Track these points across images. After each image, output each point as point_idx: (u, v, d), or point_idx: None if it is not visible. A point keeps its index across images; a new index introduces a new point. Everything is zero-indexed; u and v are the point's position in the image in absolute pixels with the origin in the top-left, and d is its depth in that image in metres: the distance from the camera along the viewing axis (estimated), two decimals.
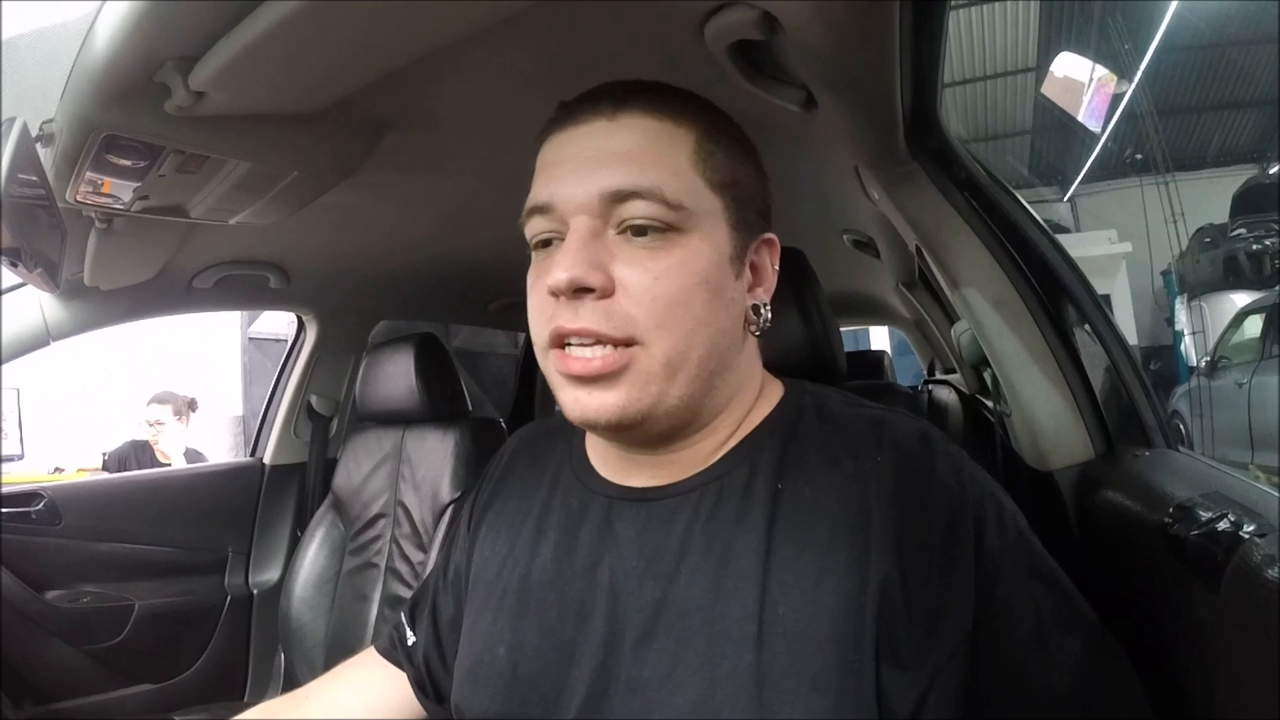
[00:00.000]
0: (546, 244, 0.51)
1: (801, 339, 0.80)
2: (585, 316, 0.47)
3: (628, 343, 0.47)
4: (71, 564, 1.56)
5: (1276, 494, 0.53)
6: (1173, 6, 7.00)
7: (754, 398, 0.56)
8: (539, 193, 0.50)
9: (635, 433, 0.51)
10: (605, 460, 0.58)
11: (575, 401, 0.49)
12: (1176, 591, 0.54)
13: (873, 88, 0.70)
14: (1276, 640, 0.41)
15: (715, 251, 0.50)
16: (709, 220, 0.49)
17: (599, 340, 0.47)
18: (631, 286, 0.47)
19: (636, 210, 0.47)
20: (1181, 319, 7.81)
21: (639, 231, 0.48)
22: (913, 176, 0.88)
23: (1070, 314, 0.86)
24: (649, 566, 0.51)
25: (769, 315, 0.55)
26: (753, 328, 0.55)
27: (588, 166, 0.48)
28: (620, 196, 0.47)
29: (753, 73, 0.71)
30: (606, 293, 0.47)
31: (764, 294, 0.55)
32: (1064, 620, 0.48)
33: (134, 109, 0.67)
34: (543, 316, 0.50)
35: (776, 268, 0.56)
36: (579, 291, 0.47)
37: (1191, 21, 7.21)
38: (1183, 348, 7.71)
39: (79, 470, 3.72)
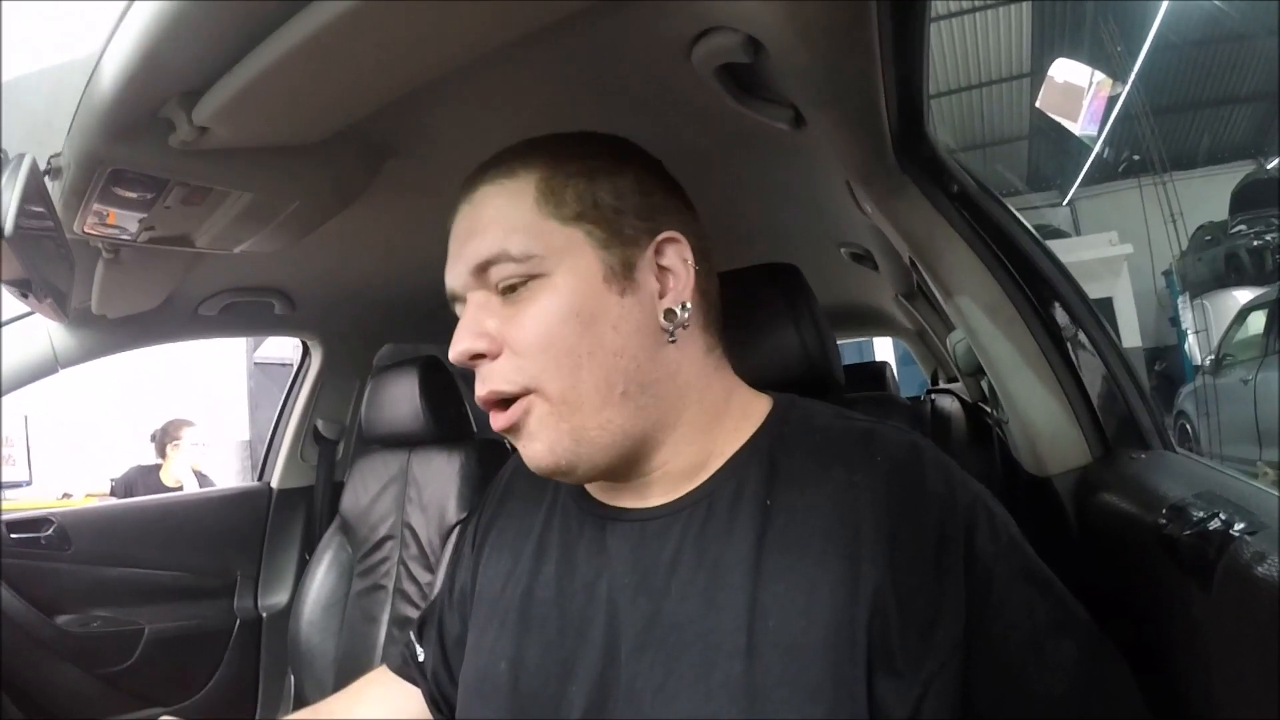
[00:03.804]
0: None
1: (797, 353, 0.81)
2: (486, 380, 0.52)
3: (524, 392, 0.51)
4: (81, 589, 1.56)
5: (1270, 490, 0.54)
6: (1164, 4, 7.02)
7: (720, 409, 0.56)
8: (447, 285, 0.56)
9: (583, 471, 0.53)
10: (594, 484, 0.59)
11: (522, 454, 0.54)
12: (1172, 592, 0.54)
13: (858, 104, 0.71)
14: (1268, 637, 0.41)
15: (581, 281, 0.51)
16: (568, 253, 0.51)
17: (501, 398, 0.52)
18: (512, 341, 0.51)
19: (498, 274, 0.52)
20: (1185, 318, 7.78)
21: (508, 289, 0.52)
22: (903, 189, 0.88)
23: (1063, 319, 0.86)
24: (642, 582, 0.52)
25: (686, 317, 0.54)
26: (667, 336, 0.53)
27: (456, 251, 0.54)
28: (482, 269, 0.52)
29: (741, 94, 0.72)
30: (496, 354, 0.52)
31: (679, 295, 0.54)
32: (1059, 624, 0.48)
33: (139, 144, 0.69)
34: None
35: (690, 262, 0.55)
36: (476, 358, 0.52)
37: (1183, 18, 7.22)
38: (1187, 347, 7.68)
39: (87, 495, 3.75)
